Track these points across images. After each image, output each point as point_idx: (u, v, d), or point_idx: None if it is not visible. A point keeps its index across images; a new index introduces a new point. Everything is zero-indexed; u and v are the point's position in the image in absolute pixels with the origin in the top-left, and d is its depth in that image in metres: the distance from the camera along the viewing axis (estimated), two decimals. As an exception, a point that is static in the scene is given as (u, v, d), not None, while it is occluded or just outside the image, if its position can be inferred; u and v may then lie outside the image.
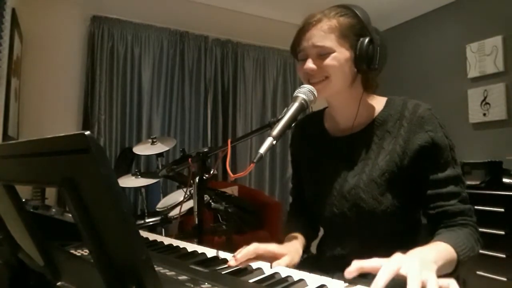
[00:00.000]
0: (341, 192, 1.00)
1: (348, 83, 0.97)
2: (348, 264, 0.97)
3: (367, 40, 0.93)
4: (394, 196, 0.94)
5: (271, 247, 0.88)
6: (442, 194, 0.91)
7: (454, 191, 0.91)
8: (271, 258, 0.88)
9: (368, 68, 0.94)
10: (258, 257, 0.84)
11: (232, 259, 0.80)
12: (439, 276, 0.61)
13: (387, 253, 0.96)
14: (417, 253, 0.71)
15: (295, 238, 1.04)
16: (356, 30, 0.94)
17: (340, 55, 0.93)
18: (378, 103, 1.02)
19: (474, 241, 0.87)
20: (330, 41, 0.93)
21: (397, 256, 0.65)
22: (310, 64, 0.94)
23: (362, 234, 0.99)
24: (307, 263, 1.09)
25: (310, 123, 1.16)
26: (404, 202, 0.95)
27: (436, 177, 0.91)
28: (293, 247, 0.99)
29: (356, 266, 0.64)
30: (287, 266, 0.87)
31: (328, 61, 0.93)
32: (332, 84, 0.95)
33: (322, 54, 0.93)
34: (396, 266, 0.61)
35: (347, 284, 0.65)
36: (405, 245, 0.97)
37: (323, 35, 0.93)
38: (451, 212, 0.90)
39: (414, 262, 0.63)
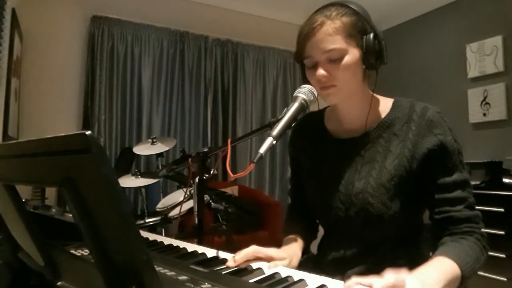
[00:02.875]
0: (348, 196, 0.97)
1: (359, 84, 0.95)
2: (350, 266, 0.97)
3: (372, 35, 0.91)
4: (402, 201, 0.92)
5: (270, 252, 0.87)
6: (448, 199, 0.89)
7: (461, 196, 0.89)
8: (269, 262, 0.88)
9: (376, 63, 0.93)
10: (257, 259, 0.84)
11: (231, 259, 0.80)
12: None
13: (390, 255, 0.96)
14: (420, 274, 0.70)
15: (294, 241, 1.03)
16: (359, 27, 0.91)
17: (352, 56, 0.91)
18: (385, 104, 1.00)
19: (479, 250, 0.86)
20: (339, 43, 0.90)
21: (401, 274, 0.64)
22: (321, 71, 0.91)
23: (367, 238, 0.98)
24: (307, 263, 1.09)
25: (309, 123, 1.13)
26: (412, 206, 0.94)
27: (443, 181, 0.90)
28: (292, 251, 0.98)
29: (355, 281, 0.64)
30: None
31: (341, 67, 0.90)
32: (342, 92, 0.93)
33: (333, 58, 0.90)
34: (398, 282, 0.61)
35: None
36: (408, 247, 0.97)
37: (330, 38, 0.90)
38: (457, 218, 0.88)
39: (416, 284, 0.63)
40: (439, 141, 0.90)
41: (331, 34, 0.90)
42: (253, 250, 0.84)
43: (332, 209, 1.01)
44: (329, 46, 0.90)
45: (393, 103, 1.00)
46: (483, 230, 0.90)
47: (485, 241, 0.89)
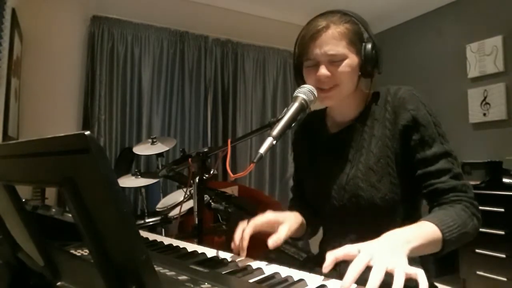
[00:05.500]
0: (340, 184, 1.01)
1: (354, 88, 1.00)
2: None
3: (370, 45, 0.96)
4: (391, 182, 0.94)
5: (266, 217, 0.92)
6: (431, 172, 0.90)
7: (444, 168, 0.90)
8: (269, 228, 0.91)
9: (373, 71, 0.98)
10: (259, 233, 0.87)
11: (235, 249, 0.82)
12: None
13: None
14: (390, 235, 0.72)
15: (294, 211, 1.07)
16: (359, 35, 0.97)
17: (351, 61, 0.95)
18: (369, 97, 1.05)
19: (467, 216, 0.85)
20: (342, 48, 0.94)
21: (367, 244, 0.66)
22: (324, 70, 0.95)
23: (362, 226, 0.99)
24: (307, 263, 1.09)
25: (312, 121, 1.18)
26: (402, 188, 0.95)
27: (424, 155, 0.91)
28: (290, 213, 1.01)
29: (331, 258, 0.66)
30: (287, 233, 0.89)
31: (342, 68, 0.94)
32: (342, 92, 0.97)
33: (335, 61, 0.94)
34: (365, 259, 0.62)
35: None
36: None
37: (335, 42, 0.94)
38: (442, 189, 0.89)
39: (383, 250, 0.64)
40: (411, 116, 0.93)
41: (336, 38, 0.94)
42: (252, 226, 0.87)
43: (328, 200, 1.04)
44: (334, 49, 0.94)
45: (373, 93, 1.04)
46: (472, 199, 0.89)
47: (476, 209, 0.88)
